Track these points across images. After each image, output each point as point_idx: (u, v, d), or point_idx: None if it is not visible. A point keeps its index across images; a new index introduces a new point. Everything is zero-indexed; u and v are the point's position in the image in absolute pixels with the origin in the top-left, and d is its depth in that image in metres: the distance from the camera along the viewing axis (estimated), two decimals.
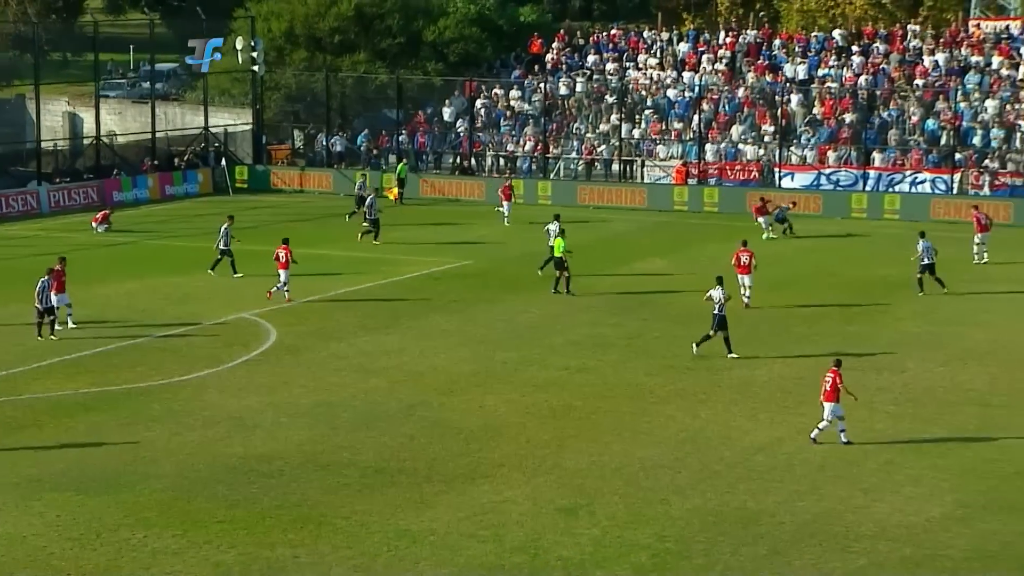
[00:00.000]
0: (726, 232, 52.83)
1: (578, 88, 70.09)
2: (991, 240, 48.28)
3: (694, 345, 35.28)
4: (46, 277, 37.35)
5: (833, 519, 24.13)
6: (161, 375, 33.61)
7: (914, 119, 62.53)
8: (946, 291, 42.28)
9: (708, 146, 64.56)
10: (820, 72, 67.59)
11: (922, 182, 60.61)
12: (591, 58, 72.62)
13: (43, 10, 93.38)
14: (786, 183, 62.15)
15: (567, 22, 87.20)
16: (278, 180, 68.76)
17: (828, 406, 28.09)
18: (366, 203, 53.95)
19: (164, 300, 42.48)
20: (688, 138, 65.51)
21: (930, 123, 62.00)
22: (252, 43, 69.97)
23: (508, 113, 69.65)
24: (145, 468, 26.68)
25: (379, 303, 42.14)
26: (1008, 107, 61.88)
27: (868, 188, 60.97)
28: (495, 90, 70.99)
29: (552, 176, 66.50)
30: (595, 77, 70.99)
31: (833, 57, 68.06)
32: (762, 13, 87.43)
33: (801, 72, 67.52)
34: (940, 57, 66.51)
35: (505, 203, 57.57)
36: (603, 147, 66.99)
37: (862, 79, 65.77)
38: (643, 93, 68.99)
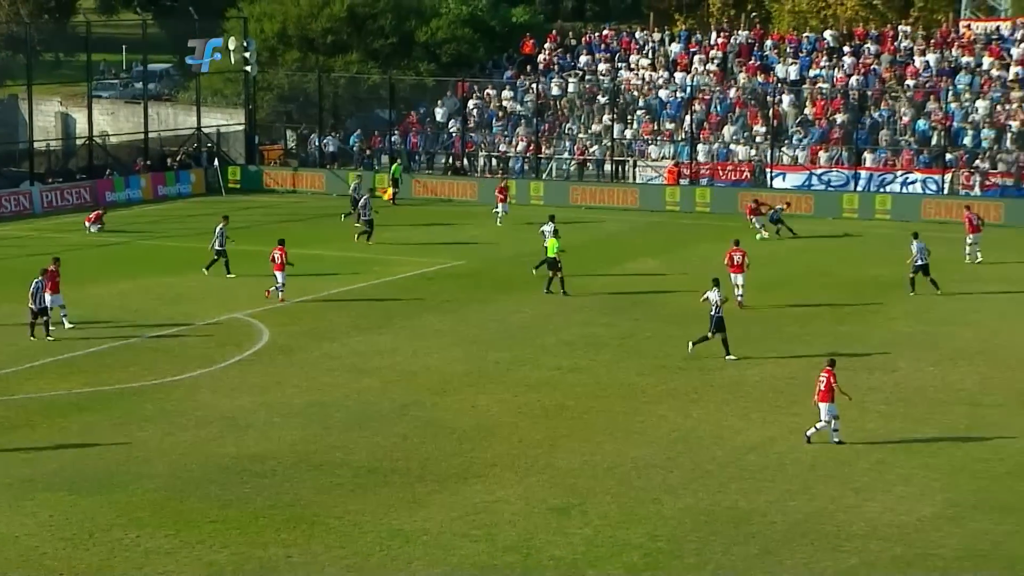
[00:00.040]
0: (718, 232, 52.92)
1: (570, 89, 70.16)
2: (982, 240, 48.39)
3: (690, 344, 35.32)
4: (40, 278, 37.35)
5: (824, 518, 24.21)
6: (154, 375, 33.64)
7: (905, 119, 62.66)
8: (939, 292, 42.37)
9: (700, 146, 64.63)
10: (811, 73, 67.69)
11: (913, 182, 60.74)
12: (583, 59, 72.68)
13: (35, 10, 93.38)
14: (778, 183, 62.24)
15: (559, 23, 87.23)
16: (271, 180, 68.74)
17: (824, 406, 28.16)
18: (359, 204, 54.03)
19: (157, 300, 42.51)
20: (680, 138, 65.60)
21: (921, 123, 62.12)
22: (245, 43, 69.94)
23: (500, 113, 69.70)
24: (138, 468, 26.71)
25: (372, 303, 42.18)
26: (998, 108, 62.01)
27: (859, 188, 61.08)
28: (487, 90, 71.03)
29: (544, 176, 66.56)
30: (587, 78, 71.06)
31: (824, 58, 68.16)
32: (754, 14, 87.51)
33: (792, 73, 67.63)
34: (931, 58, 66.65)
35: (500, 204, 57.61)
36: (595, 147, 67.06)
37: (853, 80, 65.88)
38: (635, 94, 69.07)
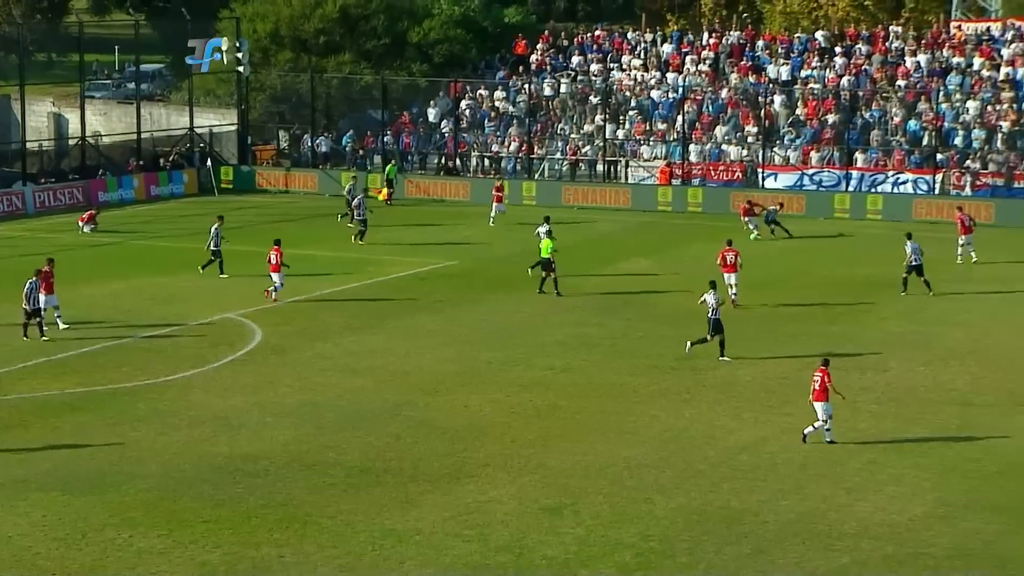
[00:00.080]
0: (710, 232, 53.00)
1: (562, 89, 70.23)
2: (974, 241, 48.47)
3: (688, 344, 35.33)
4: (34, 278, 37.34)
5: (816, 518, 24.28)
6: (147, 375, 33.65)
7: (896, 120, 62.79)
8: (932, 294, 42.44)
9: (692, 147, 64.74)
10: (803, 73, 67.79)
11: (904, 182, 60.88)
12: (575, 59, 72.75)
13: (28, 11, 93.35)
14: (769, 183, 62.36)
15: (551, 23, 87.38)
16: (263, 181, 68.75)
17: (819, 406, 28.20)
18: (353, 204, 54.09)
19: (150, 300, 42.51)
20: (672, 139, 65.68)
21: (912, 124, 62.26)
22: (237, 44, 69.96)
23: (493, 114, 69.73)
24: (131, 468, 26.73)
25: (365, 303, 42.22)
26: (989, 108, 62.15)
27: (851, 188, 61.21)
28: (480, 91, 71.06)
29: (537, 177, 66.61)
30: (579, 78, 71.13)
31: (816, 58, 68.27)
32: (745, 15, 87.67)
33: (784, 73, 67.75)
34: (922, 58, 66.78)
35: (495, 204, 57.62)
36: (587, 148, 67.14)
37: (845, 80, 65.99)
38: (627, 94, 69.14)
